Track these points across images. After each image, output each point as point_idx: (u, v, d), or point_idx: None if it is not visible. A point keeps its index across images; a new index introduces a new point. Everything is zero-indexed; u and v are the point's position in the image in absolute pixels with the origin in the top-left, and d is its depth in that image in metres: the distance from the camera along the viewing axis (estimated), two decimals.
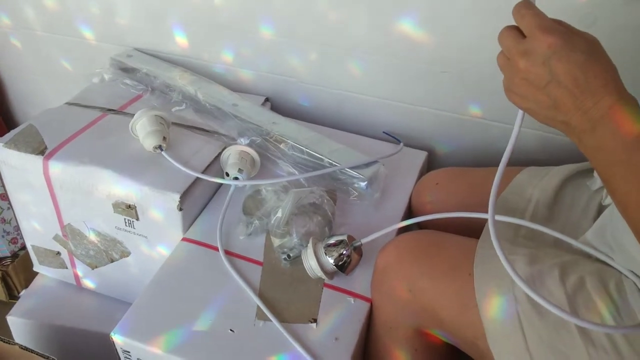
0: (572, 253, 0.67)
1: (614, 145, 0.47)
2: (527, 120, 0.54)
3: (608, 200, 0.71)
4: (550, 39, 0.48)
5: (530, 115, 0.53)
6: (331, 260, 0.76)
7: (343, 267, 0.76)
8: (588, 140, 0.49)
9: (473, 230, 0.73)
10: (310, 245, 0.77)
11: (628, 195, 0.47)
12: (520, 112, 0.55)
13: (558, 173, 0.80)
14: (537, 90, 0.50)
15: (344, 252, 0.76)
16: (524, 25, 0.50)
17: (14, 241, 1.30)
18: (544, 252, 0.66)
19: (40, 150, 0.91)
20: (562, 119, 0.50)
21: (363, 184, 0.91)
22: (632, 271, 0.60)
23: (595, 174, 0.74)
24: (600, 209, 0.73)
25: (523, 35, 0.50)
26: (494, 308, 0.61)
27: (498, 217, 0.72)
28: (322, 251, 0.76)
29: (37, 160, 0.90)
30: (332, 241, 0.77)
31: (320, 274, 0.76)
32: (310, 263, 0.76)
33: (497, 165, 0.87)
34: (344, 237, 0.77)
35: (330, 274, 0.77)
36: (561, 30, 0.49)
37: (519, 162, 0.88)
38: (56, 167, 0.90)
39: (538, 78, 0.49)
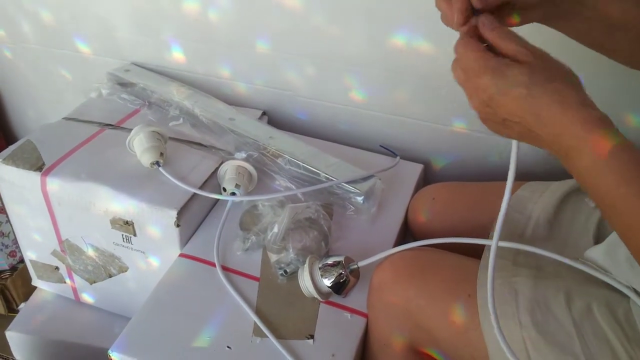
0: (575, 272, 0.67)
1: (595, 173, 0.44)
2: None
3: None
4: (481, 82, 0.47)
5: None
6: (327, 283, 0.76)
7: (339, 289, 0.76)
8: (568, 165, 0.47)
9: (471, 245, 0.73)
10: (307, 265, 0.77)
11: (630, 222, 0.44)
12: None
13: (558, 189, 0.79)
14: (500, 126, 0.50)
15: (341, 273, 0.76)
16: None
17: (12, 254, 1.30)
18: (547, 273, 0.66)
19: (38, 166, 0.91)
20: (535, 144, 0.49)
21: (360, 198, 0.92)
22: None
23: None
24: (600, 226, 0.73)
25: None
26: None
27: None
28: (318, 272, 0.76)
29: (35, 176, 0.90)
30: (329, 262, 0.77)
31: (315, 294, 0.76)
32: (306, 283, 0.76)
33: (494, 179, 0.88)
34: (341, 259, 0.77)
35: (325, 295, 0.77)
36: (491, 67, 0.47)
37: (518, 176, 0.89)
38: (54, 184, 0.90)
39: (493, 116, 0.49)
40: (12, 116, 1.51)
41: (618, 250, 0.64)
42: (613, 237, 0.66)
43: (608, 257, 0.65)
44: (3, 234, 1.27)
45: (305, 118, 1.16)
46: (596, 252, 0.66)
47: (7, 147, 0.96)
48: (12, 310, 1.29)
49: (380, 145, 1.10)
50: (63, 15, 1.20)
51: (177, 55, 1.16)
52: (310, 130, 1.16)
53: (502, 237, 0.75)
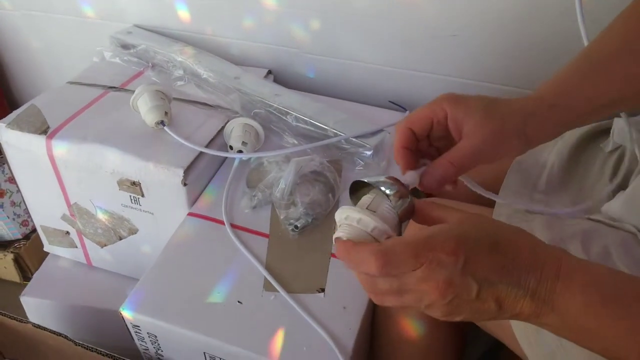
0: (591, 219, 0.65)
1: (579, 314, 0.40)
2: None
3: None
4: (445, 255, 0.40)
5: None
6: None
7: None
8: (551, 321, 0.41)
9: (481, 197, 0.71)
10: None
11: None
12: None
13: (572, 135, 0.77)
14: (471, 303, 0.41)
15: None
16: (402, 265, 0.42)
17: (25, 224, 1.31)
18: (562, 219, 0.64)
19: (43, 129, 0.90)
20: (512, 313, 0.42)
21: (369, 152, 0.90)
22: None
23: (610, 135, 0.72)
24: (615, 169, 0.71)
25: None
26: None
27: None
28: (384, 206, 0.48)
29: (40, 140, 0.89)
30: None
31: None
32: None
33: None
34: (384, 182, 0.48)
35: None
36: (443, 237, 0.41)
37: None
38: (59, 146, 0.89)
39: (466, 291, 0.41)
40: (15, 83, 1.50)
41: (637, 198, 0.62)
42: (632, 189, 0.64)
43: (626, 207, 0.62)
44: (14, 203, 1.28)
45: (312, 75, 1.14)
46: (614, 206, 0.64)
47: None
48: (27, 278, 1.31)
49: (389, 101, 1.08)
50: None
51: (183, 15, 1.14)
52: (318, 87, 1.13)
53: (515, 187, 0.73)
